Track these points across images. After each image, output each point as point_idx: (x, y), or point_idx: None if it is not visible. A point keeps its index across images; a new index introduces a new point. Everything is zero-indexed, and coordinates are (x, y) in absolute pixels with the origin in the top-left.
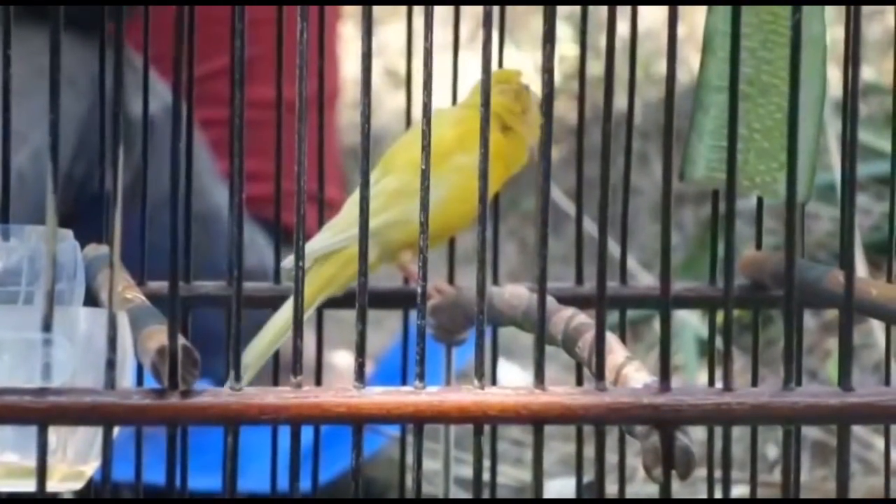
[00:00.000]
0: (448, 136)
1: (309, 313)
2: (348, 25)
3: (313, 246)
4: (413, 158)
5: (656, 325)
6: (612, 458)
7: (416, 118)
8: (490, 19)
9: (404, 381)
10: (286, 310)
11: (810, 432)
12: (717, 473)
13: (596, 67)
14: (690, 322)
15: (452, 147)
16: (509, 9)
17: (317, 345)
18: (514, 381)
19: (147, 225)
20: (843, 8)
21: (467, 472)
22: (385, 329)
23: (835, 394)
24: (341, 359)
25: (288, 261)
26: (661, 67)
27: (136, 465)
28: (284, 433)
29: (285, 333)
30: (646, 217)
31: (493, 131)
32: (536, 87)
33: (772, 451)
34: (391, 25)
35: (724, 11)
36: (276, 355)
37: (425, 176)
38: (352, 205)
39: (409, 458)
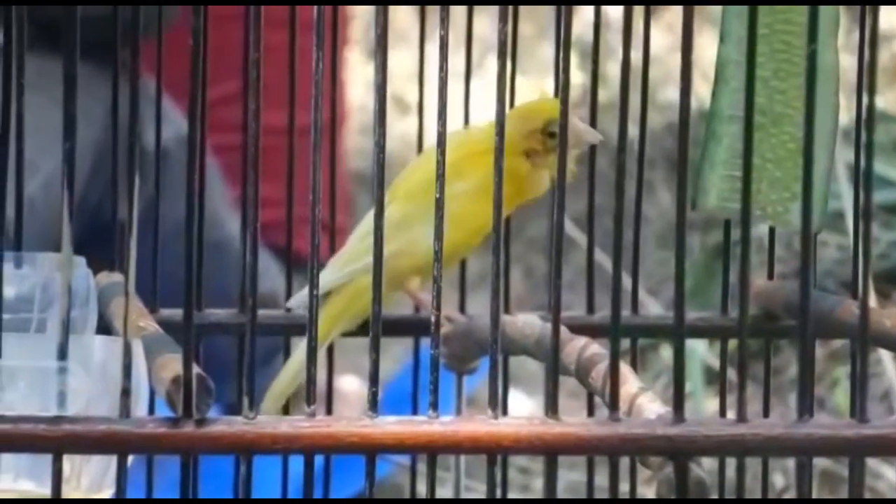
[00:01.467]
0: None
1: (322, 349)
2: (354, 51)
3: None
4: (412, 188)
5: (663, 352)
6: (622, 486)
7: (424, 145)
8: (505, 49)
9: (415, 410)
10: (300, 352)
11: (819, 461)
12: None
13: (601, 95)
14: (697, 349)
15: (448, 174)
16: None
17: (328, 373)
18: (520, 409)
19: (160, 253)
20: (852, 35)
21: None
22: (391, 355)
23: (850, 425)
24: (348, 384)
25: (296, 299)
26: (666, 94)
27: (146, 493)
28: (295, 459)
29: (301, 375)
30: (651, 244)
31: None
32: None
33: (778, 479)
34: (397, 52)
35: (737, 41)
36: None
37: (439, 205)
38: (355, 240)
39: (415, 486)
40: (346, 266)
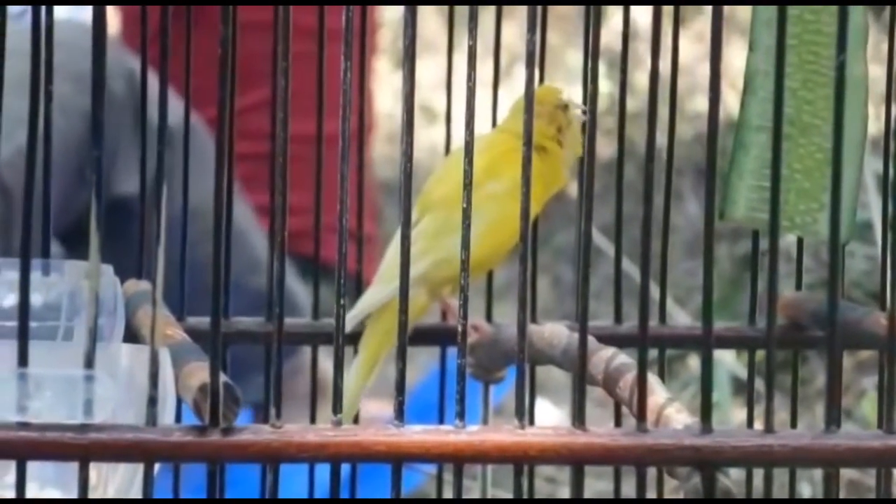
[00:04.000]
0: (477, 166)
1: (378, 369)
2: (382, 60)
3: (365, 301)
4: (446, 195)
5: (691, 362)
6: (649, 495)
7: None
8: (533, 59)
9: (441, 419)
10: (358, 364)
11: (846, 471)
12: None
13: (629, 104)
14: (724, 359)
15: (481, 176)
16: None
17: None
18: (547, 418)
19: (164, 241)
20: (881, 46)
21: None
22: (415, 364)
23: (877, 436)
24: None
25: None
26: (694, 104)
27: (173, 499)
28: (321, 467)
29: (360, 392)
30: (679, 254)
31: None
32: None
33: (805, 489)
34: (425, 60)
35: (766, 51)
36: (314, 392)
37: (466, 214)
38: (395, 252)
39: (442, 494)
40: (388, 283)
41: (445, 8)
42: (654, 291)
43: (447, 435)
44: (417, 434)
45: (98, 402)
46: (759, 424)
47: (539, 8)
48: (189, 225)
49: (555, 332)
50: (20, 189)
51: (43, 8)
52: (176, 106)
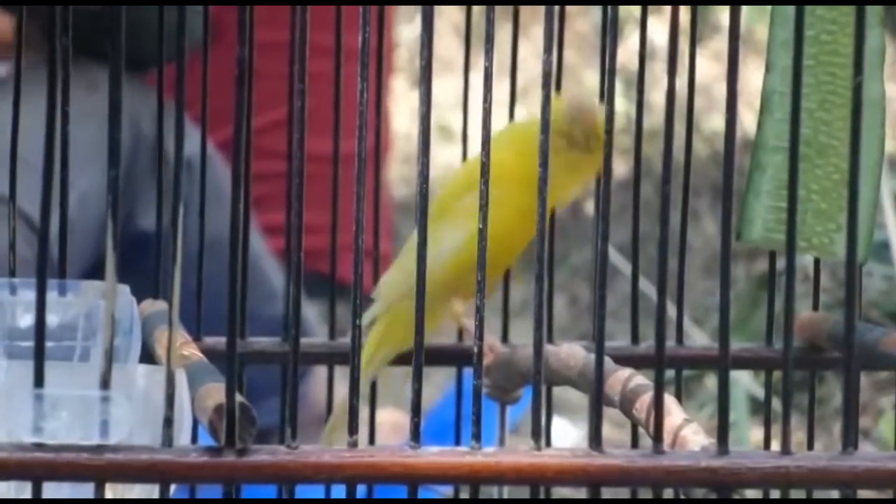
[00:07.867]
0: (459, 177)
1: (374, 373)
2: (399, 79)
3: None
4: (432, 210)
5: (708, 382)
6: None
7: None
8: (549, 79)
9: (458, 440)
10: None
11: (862, 491)
12: None
13: (645, 123)
14: (741, 379)
15: (462, 188)
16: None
17: (370, 403)
18: (565, 437)
19: (185, 267)
20: None
21: None
22: (431, 383)
23: (894, 458)
24: (386, 415)
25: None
26: (711, 123)
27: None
28: (337, 488)
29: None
30: (696, 273)
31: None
32: None
33: None
34: (442, 79)
35: (782, 71)
36: (330, 412)
37: (483, 235)
38: (392, 269)
39: None
40: (385, 295)
41: (462, 27)
42: (671, 311)
43: (463, 456)
44: (433, 455)
45: (114, 423)
46: (776, 445)
47: (556, 27)
48: (206, 257)
49: (571, 352)
50: (81, 224)
51: (59, 25)
52: (194, 136)
